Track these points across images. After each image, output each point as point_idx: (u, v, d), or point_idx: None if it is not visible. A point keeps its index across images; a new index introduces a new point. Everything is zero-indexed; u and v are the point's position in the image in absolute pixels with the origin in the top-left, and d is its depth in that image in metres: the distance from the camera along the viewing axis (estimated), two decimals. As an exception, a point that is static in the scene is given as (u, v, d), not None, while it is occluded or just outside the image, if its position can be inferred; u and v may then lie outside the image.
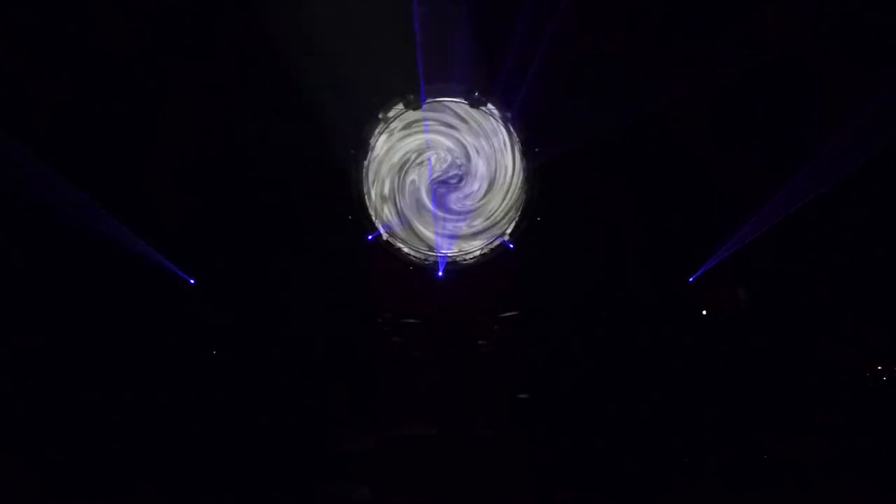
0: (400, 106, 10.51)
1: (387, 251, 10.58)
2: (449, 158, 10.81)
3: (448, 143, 10.80)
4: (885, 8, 9.28)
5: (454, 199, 10.86)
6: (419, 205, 10.83)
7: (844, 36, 9.49)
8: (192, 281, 10.21)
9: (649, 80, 9.84)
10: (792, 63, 9.72)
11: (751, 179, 10.04)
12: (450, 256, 10.67)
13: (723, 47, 9.66)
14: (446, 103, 10.63)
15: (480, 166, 10.81)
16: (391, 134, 10.70)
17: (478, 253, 10.68)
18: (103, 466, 8.67)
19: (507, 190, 10.77)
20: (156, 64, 9.75)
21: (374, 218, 10.58)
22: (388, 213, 10.79)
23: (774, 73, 9.76)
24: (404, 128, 10.72)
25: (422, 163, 10.78)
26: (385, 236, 10.63)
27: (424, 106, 10.50)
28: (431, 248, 10.78)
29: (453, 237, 10.71)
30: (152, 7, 9.66)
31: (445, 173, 10.83)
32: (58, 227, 9.71)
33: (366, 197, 10.57)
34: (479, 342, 10.51)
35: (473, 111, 10.61)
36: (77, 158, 9.53)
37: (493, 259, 10.60)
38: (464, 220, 10.83)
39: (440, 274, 10.52)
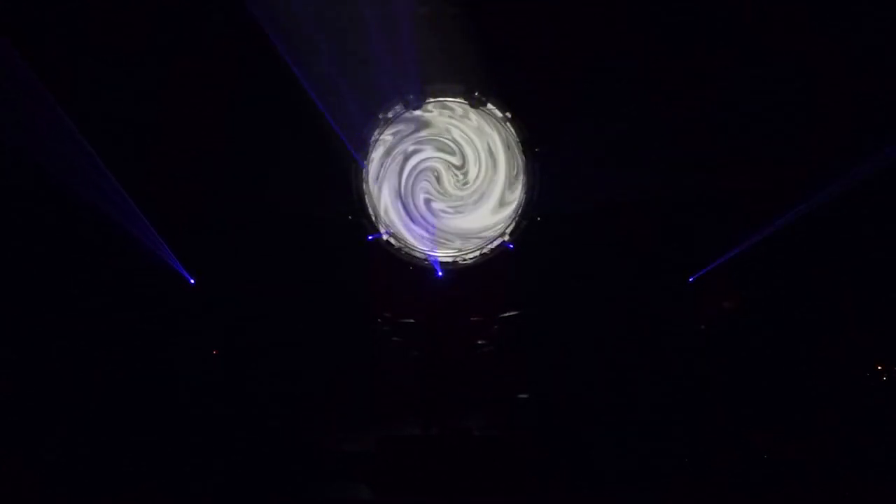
0: (400, 106, 10.51)
1: (387, 251, 10.58)
2: (446, 160, 10.82)
3: (446, 143, 10.81)
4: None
5: (451, 199, 10.86)
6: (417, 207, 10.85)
7: (846, 46, 9.54)
8: (192, 281, 10.21)
9: (653, 78, 9.87)
10: (796, 72, 9.76)
11: (753, 180, 10.04)
12: (447, 256, 10.66)
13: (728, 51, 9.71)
14: (446, 103, 10.64)
15: (478, 166, 10.82)
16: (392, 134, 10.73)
17: (477, 253, 10.68)
18: (103, 466, 8.66)
19: (507, 189, 10.77)
20: (157, 63, 9.78)
21: (374, 219, 10.58)
22: (388, 213, 10.80)
23: (781, 81, 9.79)
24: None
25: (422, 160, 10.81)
26: (386, 237, 10.62)
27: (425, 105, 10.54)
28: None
29: (433, 238, 10.71)
30: (154, 7, 9.68)
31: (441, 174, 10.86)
32: (58, 228, 9.74)
33: (366, 197, 10.58)
34: (479, 342, 10.51)
35: (473, 111, 10.61)
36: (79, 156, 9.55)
37: (493, 259, 10.59)
38: (458, 219, 10.85)
39: (440, 274, 10.52)
